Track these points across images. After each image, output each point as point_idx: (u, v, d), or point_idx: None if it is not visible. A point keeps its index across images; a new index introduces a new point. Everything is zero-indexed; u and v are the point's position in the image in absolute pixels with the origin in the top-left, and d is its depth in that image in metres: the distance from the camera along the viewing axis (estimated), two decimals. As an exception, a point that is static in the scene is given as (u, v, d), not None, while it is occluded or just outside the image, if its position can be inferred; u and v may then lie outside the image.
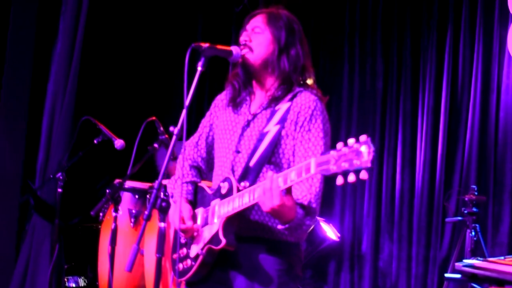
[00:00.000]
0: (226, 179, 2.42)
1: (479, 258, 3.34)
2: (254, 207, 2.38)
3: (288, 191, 2.24)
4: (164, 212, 2.91)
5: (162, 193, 2.88)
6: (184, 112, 2.33)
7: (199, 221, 2.49)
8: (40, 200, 4.63)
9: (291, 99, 2.47)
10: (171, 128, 2.55)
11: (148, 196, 4.34)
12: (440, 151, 5.53)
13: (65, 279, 5.22)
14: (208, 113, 2.74)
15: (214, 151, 2.65)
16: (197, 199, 2.59)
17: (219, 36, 6.42)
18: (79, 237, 5.54)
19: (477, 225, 4.75)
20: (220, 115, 2.65)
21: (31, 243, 4.63)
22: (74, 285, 5.41)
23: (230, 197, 2.35)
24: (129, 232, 4.32)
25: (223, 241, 2.32)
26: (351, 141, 1.95)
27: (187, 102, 2.34)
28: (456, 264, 3.33)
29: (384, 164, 5.88)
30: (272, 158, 2.43)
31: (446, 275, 4.35)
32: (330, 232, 5.71)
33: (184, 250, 2.52)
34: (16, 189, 4.67)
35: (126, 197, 4.38)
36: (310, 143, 2.40)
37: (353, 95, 6.18)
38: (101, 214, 4.32)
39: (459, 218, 4.91)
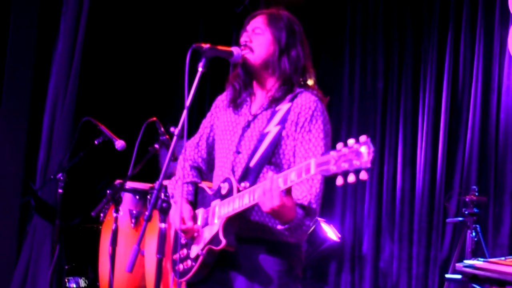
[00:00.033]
0: (226, 180, 2.42)
1: (479, 259, 3.34)
2: (254, 208, 2.38)
3: (288, 191, 2.24)
4: (164, 212, 2.92)
5: (162, 194, 2.88)
6: (185, 112, 2.33)
7: (199, 222, 2.49)
8: (40, 201, 4.63)
9: (292, 100, 2.47)
10: (171, 129, 2.55)
11: (148, 196, 4.34)
12: (440, 151, 5.53)
13: (66, 280, 5.22)
14: (208, 114, 2.74)
15: (215, 151, 2.65)
16: (198, 199, 2.59)
17: (219, 37, 6.43)
18: (79, 238, 5.54)
19: (477, 225, 4.75)
20: (220, 115, 2.65)
21: (32, 243, 4.63)
22: (74, 286, 5.41)
23: (230, 197, 2.35)
24: (130, 233, 4.33)
25: (223, 241, 2.32)
26: (351, 141, 1.95)
27: (187, 102, 2.35)
28: (457, 264, 3.34)
29: (384, 164, 5.88)
30: (273, 158, 2.43)
31: (447, 275, 4.35)
32: (330, 232, 5.71)
33: (185, 250, 2.52)
34: (17, 189, 4.67)
35: (126, 197, 4.38)
36: (311, 144, 2.40)
37: (353, 95, 6.18)
38: (101, 214, 4.32)
39: (460, 218, 4.91)
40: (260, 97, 2.57)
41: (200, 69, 2.39)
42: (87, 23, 4.81)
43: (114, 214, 3.79)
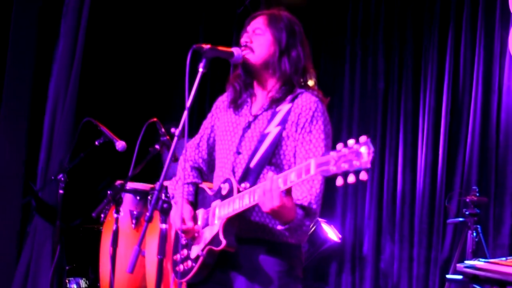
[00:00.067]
0: (226, 180, 2.42)
1: (480, 259, 3.34)
2: (254, 208, 2.38)
3: (289, 192, 2.24)
4: (165, 213, 2.91)
5: (163, 195, 2.88)
6: (185, 113, 2.33)
7: (199, 222, 2.50)
8: (41, 202, 4.63)
9: (292, 101, 2.47)
10: (172, 130, 2.55)
11: (149, 197, 4.34)
12: (441, 151, 5.53)
13: (67, 281, 5.22)
14: (209, 115, 2.74)
15: (215, 152, 2.65)
16: (198, 200, 2.60)
17: (220, 38, 6.43)
18: (80, 239, 5.54)
19: (478, 226, 4.75)
20: (221, 116, 2.65)
21: (33, 244, 4.63)
22: (75, 287, 5.41)
23: (231, 198, 2.35)
24: (131, 234, 4.33)
25: (224, 242, 2.32)
26: (351, 142, 1.95)
27: (188, 103, 2.35)
28: (458, 265, 3.33)
29: (385, 164, 5.88)
30: (273, 159, 2.43)
31: (448, 276, 4.35)
32: (331, 233, 5.71)
33: (185, 251, 2.53)
34: (18, 190, 4.67)
35: (127, 198, 4.38)
36: (311, 145, 2.40)
37: (354, 96, 6.18)
38: (102, 215, 4.31)
39: (461, 219, 4.91)
40: (260, 97, 2.57)
41: (200, 69, 2.39)
42: (88, 23, 4.81)
43: (115, 215, 3.79)
